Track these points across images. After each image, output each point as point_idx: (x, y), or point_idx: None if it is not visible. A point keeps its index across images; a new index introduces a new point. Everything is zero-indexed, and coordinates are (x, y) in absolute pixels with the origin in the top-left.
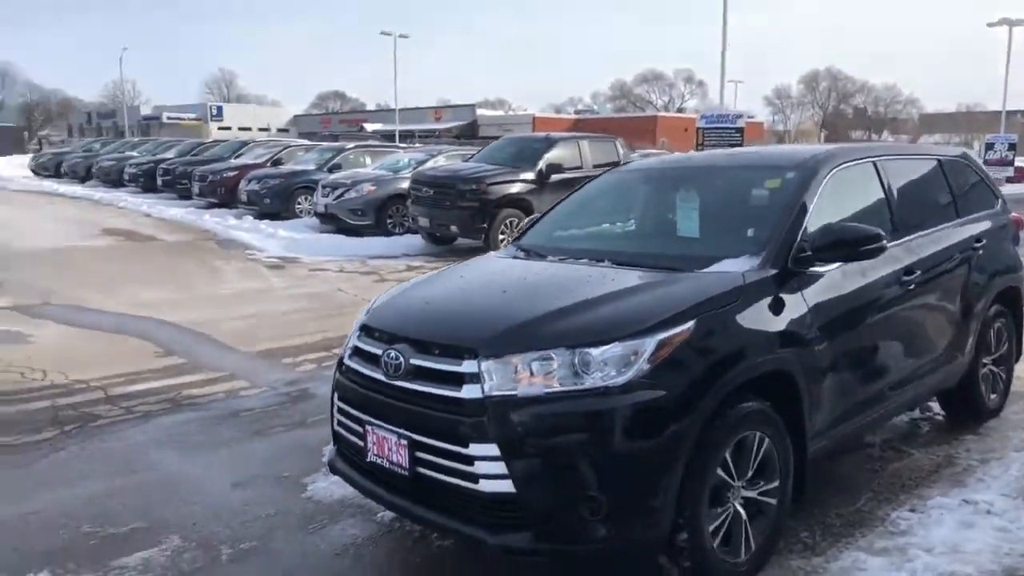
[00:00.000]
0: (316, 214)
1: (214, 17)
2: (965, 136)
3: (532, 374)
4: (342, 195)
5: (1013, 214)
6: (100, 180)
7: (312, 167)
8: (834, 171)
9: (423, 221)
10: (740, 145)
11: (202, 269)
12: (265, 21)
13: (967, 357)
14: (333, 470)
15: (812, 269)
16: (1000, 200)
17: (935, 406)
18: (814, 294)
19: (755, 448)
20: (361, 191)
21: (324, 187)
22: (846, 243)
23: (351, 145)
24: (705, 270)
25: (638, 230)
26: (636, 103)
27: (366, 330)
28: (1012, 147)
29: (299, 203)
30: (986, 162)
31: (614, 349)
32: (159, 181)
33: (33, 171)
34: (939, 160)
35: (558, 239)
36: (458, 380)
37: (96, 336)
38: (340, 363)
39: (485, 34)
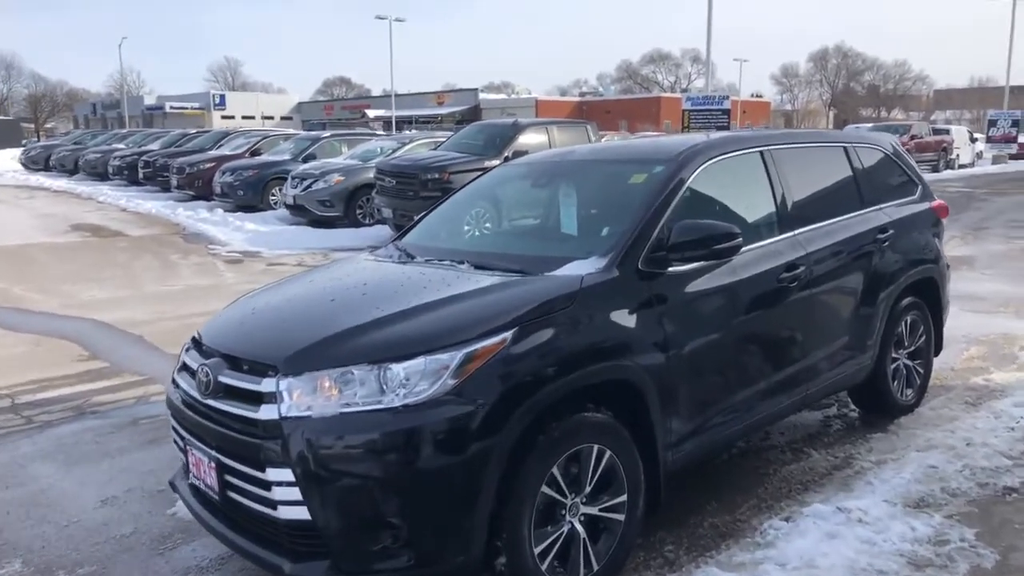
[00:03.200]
0: (286, 206)
1: (221, 4)
2: (978, 111)
3: (332, 392)
4: (310, 186)
5: (936, 202)
6: (86, 173)
7: (287, 157)
8: (707, 164)
9: (386, 212)
10: (726, 127)
11: (157, 265)
12: (271, 7)
13: (873, 352)
14: (173, 488)
15: (672, 269)
16: (920, 187)
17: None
18: (671, 296)
19: (593, 462)
20: (328, 181)
21: (293, 178)
22: (698, 242)
23: (327, 134)
24: (551, 273)
25: (509, 229)
26: (642, 84)
27: (195, 342)
28: (1015, 123)
29: (273, 195)
30: (989, 139)
31: (417, 364)
32: (140, 174)
33: (23, 164)
34: (845, 148)
35: (436, 238)
36: (257, 399)
37: (22, 339)
38: (172, 378)
39: (492, 16)
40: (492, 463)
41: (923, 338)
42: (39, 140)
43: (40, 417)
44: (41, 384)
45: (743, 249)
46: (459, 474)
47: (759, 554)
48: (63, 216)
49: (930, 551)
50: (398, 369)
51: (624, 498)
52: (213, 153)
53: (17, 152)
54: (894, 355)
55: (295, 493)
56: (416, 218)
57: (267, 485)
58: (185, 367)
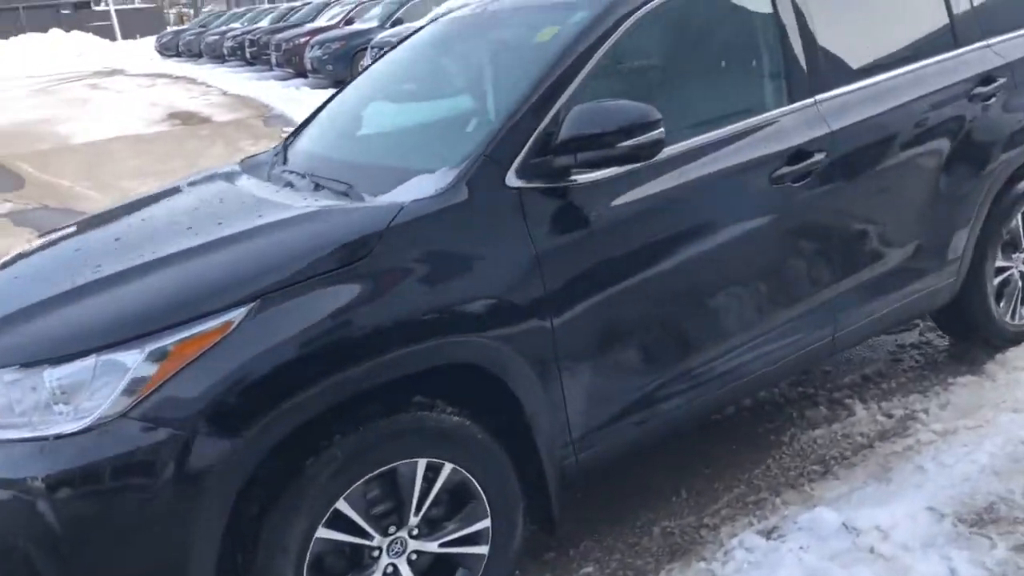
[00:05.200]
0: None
1: None
2: None
3: None
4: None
5: None
6: (208, 56)
7: (375, 24)
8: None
9: None
10: None
11: (225, 154)
12: None
13: (962, 262)
14: None
15: (575, 179)
16: None
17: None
18: (567, 224)
19: (421, 483)
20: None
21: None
22: (595, 137)
23: None
24: (374, 198)
25: (398, 123)
26: None
27: None
28: None
29: (362, 66)
30: None
31: (81, 368)
32: (247, 53)
33: (158, 52)
34: None
35: (323, 139)
36: None
37: None
38: None
39: None
40: (205, 517)
41: None
42: (182, 26)
43: None
44: None
45: (709, 137)
46: (150, 540)
47: None
48: (167, 104)
49: None
50: (51, 377)
51: (487, 524)
52: (308, 26)
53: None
54: (1002, 263)
55: None
56: (315, 108)
57: None
58: None
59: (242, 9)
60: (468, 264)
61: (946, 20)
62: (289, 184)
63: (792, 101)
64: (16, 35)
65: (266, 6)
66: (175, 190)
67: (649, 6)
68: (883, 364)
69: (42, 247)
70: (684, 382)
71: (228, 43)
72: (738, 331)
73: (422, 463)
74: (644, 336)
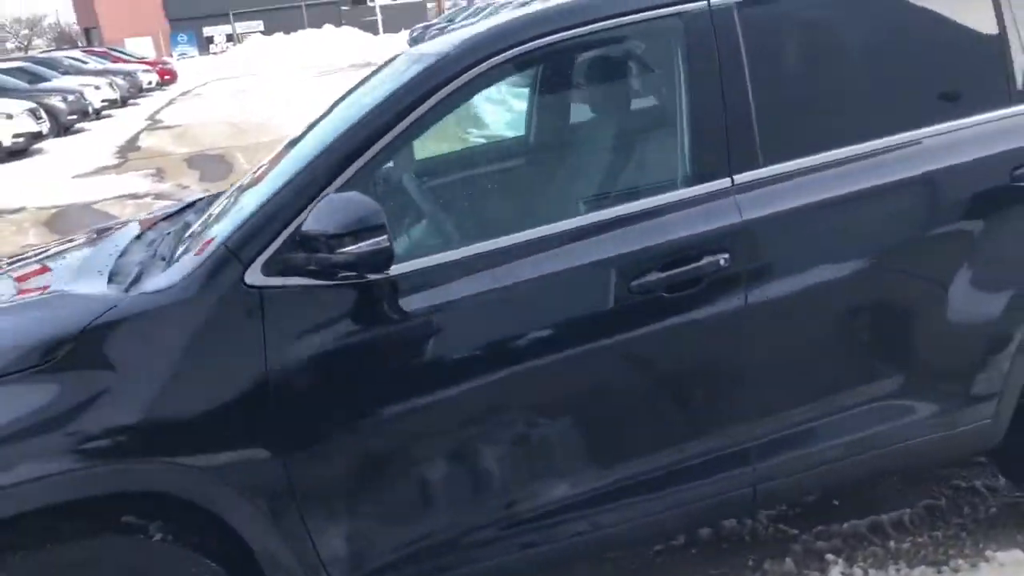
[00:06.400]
0: None
1: None
2: None
3: None
4: None
5: None
6: None
7: None
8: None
9: None
10: None
11: None
12: None
13: (1000, 400)
14: None
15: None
16: None
17: None
18: (323, 337)
19: None
20: None
21: None
22: (324, 238)
23: None
24: (132, 288)
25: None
26: None
27: None
28: None
29: None
30: None
31: None
32: None
33: (409, 45)
34: None
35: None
36: None
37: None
38: None
39: None
40: None
41: None
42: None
43: None
44: None
45: (543, 231)
46: None
47: None
48: None
49: None
50: None
51: None
52: None
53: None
54: None
55: None
56: None
57: None
58: None
59: (483, 3)
60: (178, 376)
61: (997, 60)
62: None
63: (696, 182)
64: (297, 31)
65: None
66: None
67: (486, 66)
68: (910, 512)
69: None
70: (507, 531)
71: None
72: (580, 474)
73: None
74: (434, 475)
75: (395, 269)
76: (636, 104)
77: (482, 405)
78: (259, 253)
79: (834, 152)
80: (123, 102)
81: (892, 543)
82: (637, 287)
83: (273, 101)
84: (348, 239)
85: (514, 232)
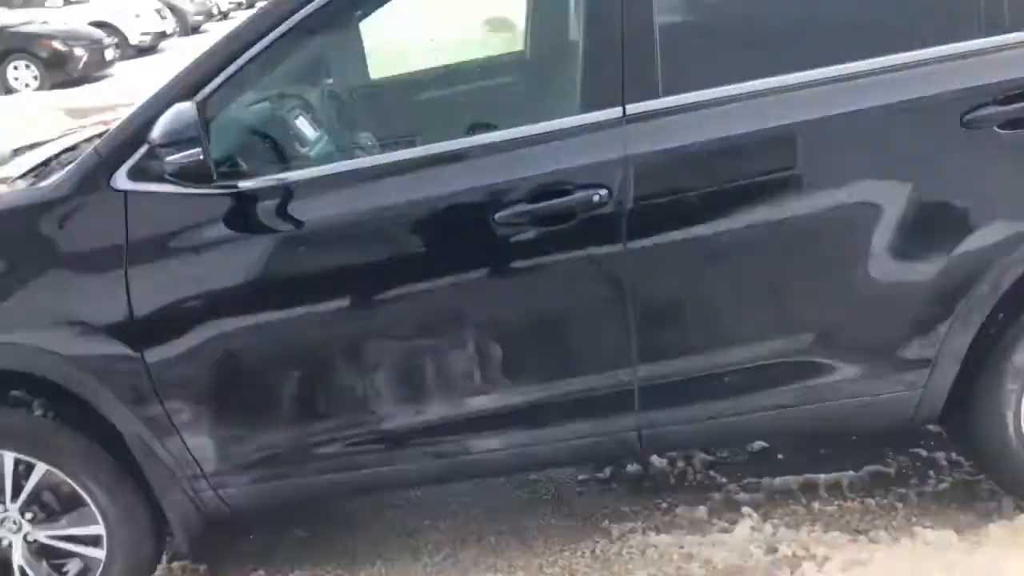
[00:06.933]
0: None
1: None
2: None
3: None
4: None
5: None
6: None
7: None
8: None
9: None
10: None
11: None
12: None
13: (932, 371)
14: None
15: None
16: None
17: None
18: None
19: (7, 474)
20: None
21: None
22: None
23: None
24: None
25: None
26: None
27: None
28: None
29: None
30: None
31: None
32: None
33: None
34: None
35: None
36: None
37: None
38: None
39: None
40: None
41: None
42: None
43: None
44: None
45: (418, 152)
46: None
47: None
48: None
49: None
50: None
51: (99, 531)
52: None
53: None
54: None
55: None
56: None
57: None
58: None
59: None
60: (44, 265)
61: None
62: None
63: (586, 110)
64: None
65: None
66: None
67: None
68: (852, 475)
69: None
70: (369, 444)
71: None
72: (435, 400)
73: (8, 456)
74: (288, 384)
75: (252, 183)
76: (534, 25)
77: (333, 325)
78: (125, 158)
79: (748, 84)
80: (250, 5)
81: (817, 504)
82: (502, 218)
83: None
84: (172, 149)
85: (382, 154)
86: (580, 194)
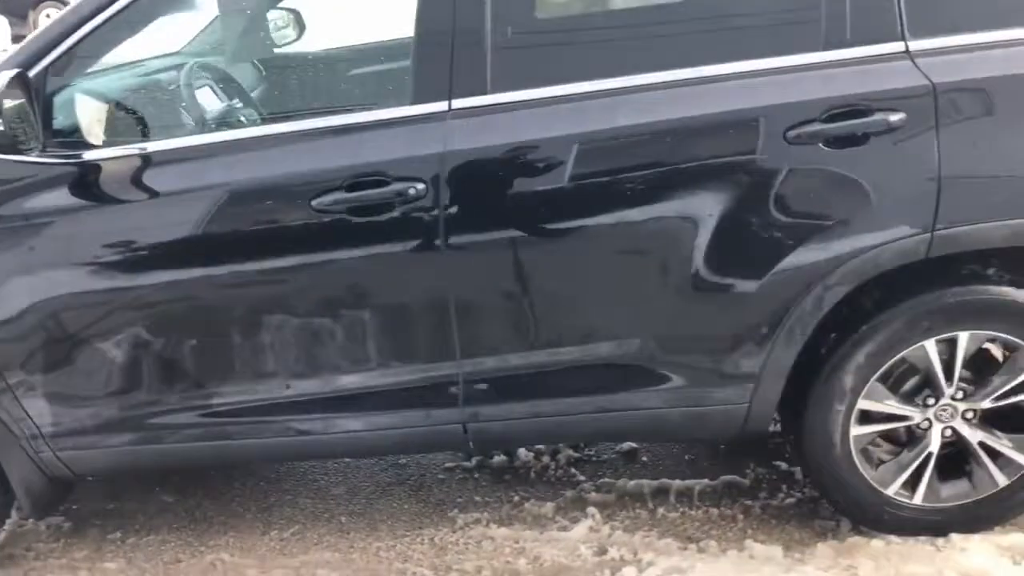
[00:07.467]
0: None
1: None
2: None
3: None
4: None
5: None
6: None
7: None
8: None
9: None
10: None
11: None
12: None
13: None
14: None
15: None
16: None
17: None
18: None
19: None
20: None
21: None
22: None
23: None
24: None
25: None
26: None
27: None
28: None
29: None
30: None
31: None
32: None
33: None
34: None
35: None
36: None
37: None
38: None
39: None
40: None
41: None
42: None
43: None
44: None
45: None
46: None
47: None
48: None
49: None
50: None
51: None
52: None
53: None
54: (878, 406)
55: None
56: None
57: None
58: None
59: None
60: None
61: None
62: None
63: (414, 101)
64: None
65: None
66: None
67: None
68: (706, 483)
69: None
70: (198, 417)
71: None
72: (256, 381)
73: None
74: (116, 353)
75: (89, 155)
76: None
77: (158, 302)
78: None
79: (575, 86)
80: None
81: (662, 510)
82: (319, 205)
83: None
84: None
85: (213, 132)
86: (396, 186)
